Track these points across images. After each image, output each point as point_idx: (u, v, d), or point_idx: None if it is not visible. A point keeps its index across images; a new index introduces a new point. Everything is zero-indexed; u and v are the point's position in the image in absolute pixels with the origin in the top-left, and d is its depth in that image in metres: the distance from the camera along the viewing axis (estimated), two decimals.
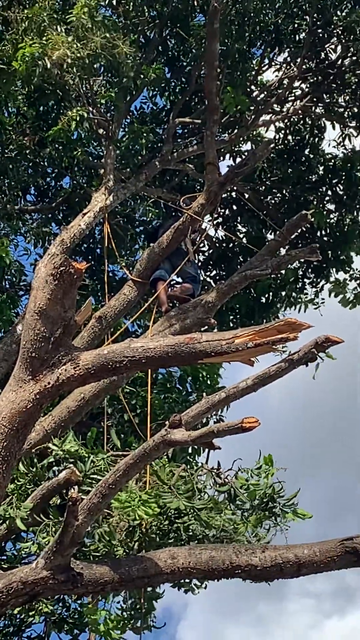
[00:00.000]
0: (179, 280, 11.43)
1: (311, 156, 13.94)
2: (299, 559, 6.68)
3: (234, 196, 13.97)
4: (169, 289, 11.02)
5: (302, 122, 13.94)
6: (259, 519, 8.06)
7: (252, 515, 8.14)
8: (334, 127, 13.70)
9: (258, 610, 28.40)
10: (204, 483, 8.49)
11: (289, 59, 13.29)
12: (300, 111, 13.43)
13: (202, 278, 12.83)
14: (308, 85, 13.49)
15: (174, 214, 12.16)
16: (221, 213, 14.17)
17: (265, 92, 13.31)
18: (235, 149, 13.88)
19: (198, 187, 13.51)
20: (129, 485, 7.93)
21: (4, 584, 6.27)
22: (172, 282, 11.22)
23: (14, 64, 10.79)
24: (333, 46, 13.22)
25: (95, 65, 11.44)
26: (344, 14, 12.96)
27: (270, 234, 13.78)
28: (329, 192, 13.83)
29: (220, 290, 10.41)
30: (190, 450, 10.82)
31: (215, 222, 13.89)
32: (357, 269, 14.07)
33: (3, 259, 11.86)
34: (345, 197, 13.69)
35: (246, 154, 13.50)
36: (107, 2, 11.92)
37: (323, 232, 13.69)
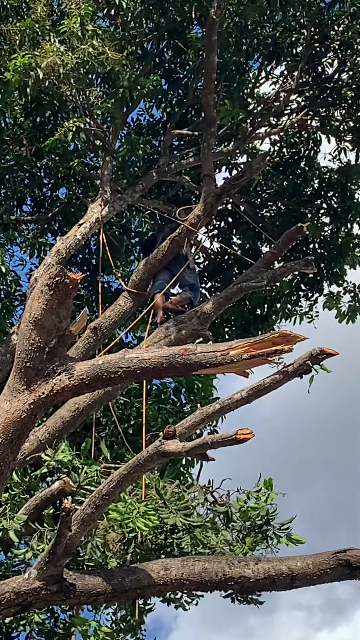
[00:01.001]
0: (178, 288, 11.41)
1: (307, 169, 13.99)
2: (292, 571, 6.68)
3: (230, 208, 13.99)
4: (167, 299, 11.00)
5: (298, 135, 13.99)
6: (256, 541, 8.00)
7: (247, 536, 8.09)
8: (329, 141, 13.75)
9: (248, 622, 28.27)
10: (196, 500, 8.46)
11: (286, 72, 13.32)
12: (296, 124, 13.46)
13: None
14: (304, 99, 13.54)
15: (169, 225, 12.15)
16: (217, 225, 14.20)
17: (262, 105, 13.34)
18: (232, 161, 13.91)
19: (194, 199, 13.52)
20: (126, 497, 7.91)
21: None
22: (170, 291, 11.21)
23: (6, 75, 10.82)
24: (330, 60, 13.28)
25: (91, 76, 11.48)
26: (341, 28, 13.04)
27: (266, 246, 13.80)
28: (324, 205, 13.87)
29: (215, 301, 10.41)
30: (184, 462, 10.81)
31: (210, 234, 13.93)
32: (350, 282, 14.13)
33: None
34: (339, 210, 13.74)
35: (242, 166, 13.52)
36: (104, 13, 11.97)
37: (317, 245, 13.73)
